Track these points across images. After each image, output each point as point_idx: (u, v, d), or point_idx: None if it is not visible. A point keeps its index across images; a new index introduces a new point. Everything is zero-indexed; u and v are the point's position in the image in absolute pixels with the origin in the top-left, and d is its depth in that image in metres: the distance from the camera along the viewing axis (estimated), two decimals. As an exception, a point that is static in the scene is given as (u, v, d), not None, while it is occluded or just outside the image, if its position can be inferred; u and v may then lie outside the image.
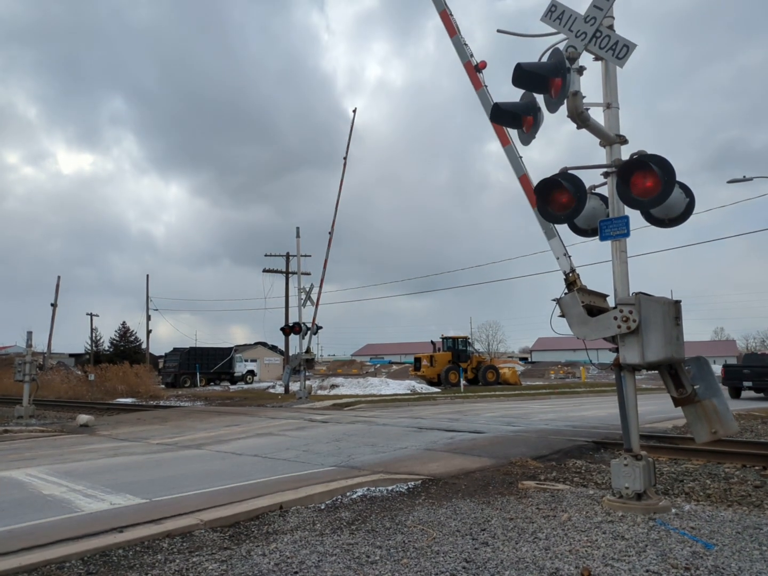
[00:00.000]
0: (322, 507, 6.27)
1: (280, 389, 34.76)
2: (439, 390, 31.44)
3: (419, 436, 11.98)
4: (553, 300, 6.40)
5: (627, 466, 5.83)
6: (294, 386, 31.07)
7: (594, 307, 6.36)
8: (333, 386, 32.51)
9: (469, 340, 40.65)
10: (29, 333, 18.91)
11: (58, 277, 21.48)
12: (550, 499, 6.30)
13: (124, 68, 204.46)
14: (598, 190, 6.65)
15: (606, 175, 6.37)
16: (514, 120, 6.61)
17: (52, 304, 20.87)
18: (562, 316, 6.34)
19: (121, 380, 35.56)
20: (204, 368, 47.72)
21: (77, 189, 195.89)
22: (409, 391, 29.47)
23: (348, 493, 6.77)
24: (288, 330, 26.26)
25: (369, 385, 31.43)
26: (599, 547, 4.67)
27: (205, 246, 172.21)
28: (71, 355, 71.21)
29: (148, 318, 50.96)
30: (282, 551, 4.75)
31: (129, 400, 29.71)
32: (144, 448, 11.28)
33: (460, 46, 7.82)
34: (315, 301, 25.00)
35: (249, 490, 7.05)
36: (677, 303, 5.98)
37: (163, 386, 43.71)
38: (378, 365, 79.75)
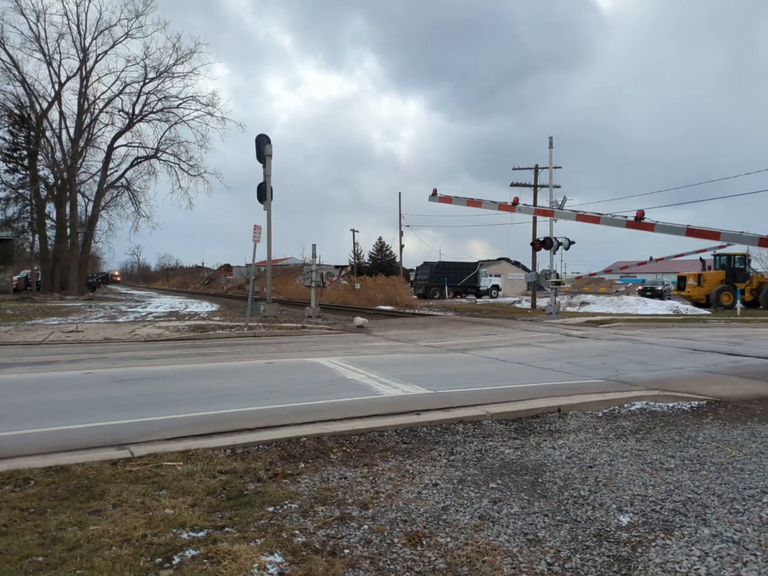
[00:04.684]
0: (600, 415, 6.34)
1: (526, 304, 34.92)
2: (708, 312, 28.32)
3: (695, 357, 11.11)
4: None
5: None
6: (541, 302, 30.89)
7: None
8: (583, 303, 31.47)
9: (748, 258, 35.28)
10: (314, 246, 21.91)
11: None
12: None
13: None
14: None
15: None
16: None
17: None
18: None
19: (381, 290, 39.51)
20: (451, 281, 50.09)
21: (329, 113, 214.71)
22: (671, 312, 27.12)
23: (626, 405, 6.71)
24: (538, 245, 25.83)
25: (623, 303, 29.66)
26: None
27: (443, 162, 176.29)
28: (336, 267, 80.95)
29: (401, 234, 54.64)
30: (571, 447, 5.00)
31: (388, 308, 32.88)
32: (415, 349, 12.52)
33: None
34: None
35: (522, 392, 7.43)
36: None
37: (415, 297, 47.20)
38: (630, 284, 74.33)
